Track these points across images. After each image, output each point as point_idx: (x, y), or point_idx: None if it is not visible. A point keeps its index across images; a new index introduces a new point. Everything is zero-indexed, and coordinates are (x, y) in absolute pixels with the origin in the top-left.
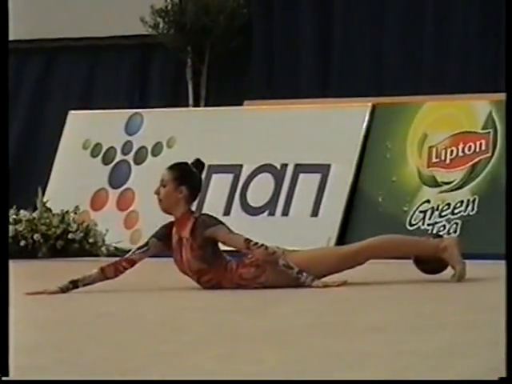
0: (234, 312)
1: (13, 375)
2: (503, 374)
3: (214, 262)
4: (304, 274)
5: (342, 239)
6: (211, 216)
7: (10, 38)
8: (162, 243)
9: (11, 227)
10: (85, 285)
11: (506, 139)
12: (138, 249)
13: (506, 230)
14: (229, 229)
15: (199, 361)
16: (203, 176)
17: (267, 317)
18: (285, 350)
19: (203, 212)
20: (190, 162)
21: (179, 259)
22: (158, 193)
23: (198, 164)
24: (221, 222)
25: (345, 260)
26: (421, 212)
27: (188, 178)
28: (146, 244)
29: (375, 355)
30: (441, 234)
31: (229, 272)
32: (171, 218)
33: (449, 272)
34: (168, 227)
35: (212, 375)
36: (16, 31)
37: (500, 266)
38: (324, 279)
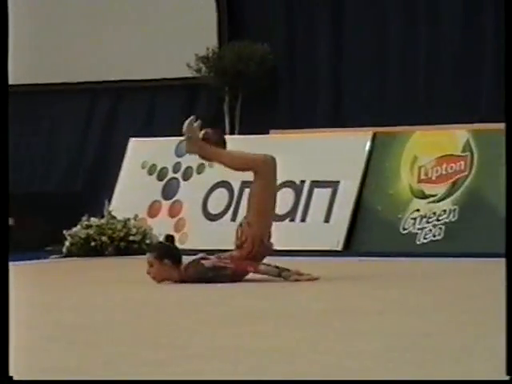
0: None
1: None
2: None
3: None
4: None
5: (348, 241)
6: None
7: (85, 79)
8: None
9: (84, 231)
10: None
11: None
12: None
13: (506, 232)
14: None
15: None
16: (237, 188)
17: (285, 302)
18: (301, 330)
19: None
20: (161, 238)
21: None
22: (149, 272)
23: (169, 237)
24: (200, 258)
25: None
26: (412, 219)
27: (166, 250)
28: None
29: (371, 334)
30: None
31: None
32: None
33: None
34: None
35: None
36: (89, 74)
37: (474, 262)
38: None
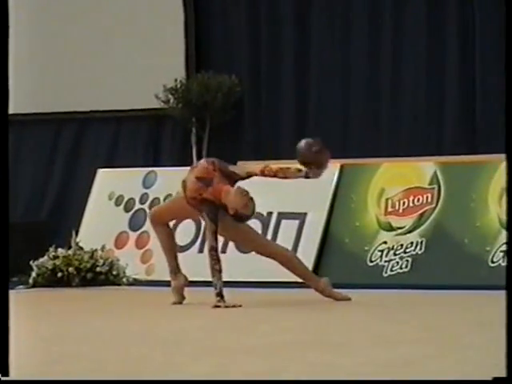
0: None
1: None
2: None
3: None
4: None
5: (315, 273)
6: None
7: (45, 110)
8: None
9: (51, 262)
10: None
11: None
12: None
13: (506, 236)
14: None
15: None
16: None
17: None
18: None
19: None
20: None
21: None
22: None
23: None
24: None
25: None
26: (379, 251)
27: None
28: None
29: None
30: None
31: None
32: None
33: None
34: None
35: None
36: (52, 104)
37: (439, 294)
38: None
